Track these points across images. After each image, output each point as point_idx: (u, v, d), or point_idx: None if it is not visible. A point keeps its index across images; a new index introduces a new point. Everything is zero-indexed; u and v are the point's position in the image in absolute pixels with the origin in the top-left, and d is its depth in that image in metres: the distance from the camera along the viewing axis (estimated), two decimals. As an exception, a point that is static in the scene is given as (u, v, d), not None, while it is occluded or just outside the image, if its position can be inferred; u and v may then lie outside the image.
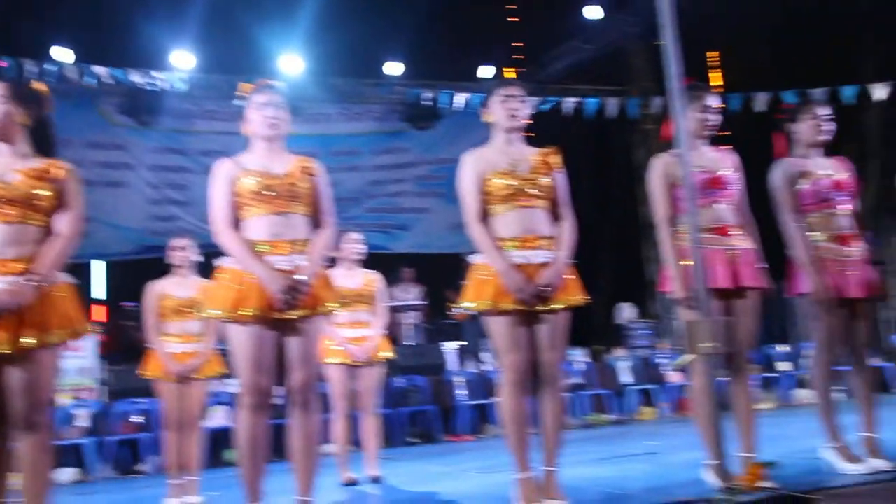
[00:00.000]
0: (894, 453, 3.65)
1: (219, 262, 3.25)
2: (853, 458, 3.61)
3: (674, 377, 9.23)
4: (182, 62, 10.35)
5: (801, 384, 9.42)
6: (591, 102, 10.89)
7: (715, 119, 3.66)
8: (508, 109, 3.38)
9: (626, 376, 9.44)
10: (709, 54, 11.74)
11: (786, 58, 10.61)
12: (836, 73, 10.25)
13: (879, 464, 3.53)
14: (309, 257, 3.19)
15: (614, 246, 12.69)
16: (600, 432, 8.09)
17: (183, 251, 4.96)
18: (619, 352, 10.13)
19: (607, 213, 12.67)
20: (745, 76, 10.96)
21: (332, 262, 5.16)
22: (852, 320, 3.75)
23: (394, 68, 11.45)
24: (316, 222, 3.30)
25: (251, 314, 3.08)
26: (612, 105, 11.00)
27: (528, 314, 3.25)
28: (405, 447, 8.01)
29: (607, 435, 7.66)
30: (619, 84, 11.96)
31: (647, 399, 9.35)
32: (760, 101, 10.24)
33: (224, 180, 3.24)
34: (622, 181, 12.07)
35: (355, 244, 5.32)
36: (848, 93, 9.98)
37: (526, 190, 3.31)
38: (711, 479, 3.26)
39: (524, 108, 3.41)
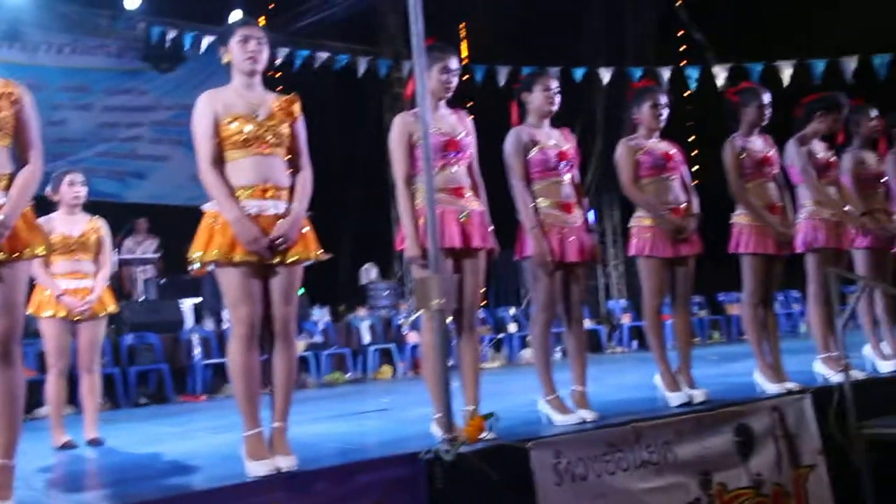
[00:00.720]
0: (599, 405, 4.01)
1: None
2: (565, 410, 3.90)
3: (412, 337, 9.52)
4: None
5: (528, 344, 10.12)
6: (342, 59, 10.82)
7: (455, 82, 3.73)
8: (247, 52, 3.20)
9: (366, 336, 9.59)
10: (458, 26, 12.11)
11: (526, 36, 11.19)
12: (569, 54, 10.99)
13: (586, 414, 3.85)
14: (8, 195, 2.83)
15: (361, 206, 12.78)
16: (339, 390, 8.16)
17: None
18: (360, 311, 10.26)
19: (355, 174, 12.72)
20: (489, 50, 11.43)
21: (48, 205, 4.70)
22: (570, 283, 4.04)
23: (133, 2, 10.58)
24: (19, 157, 2.94)
25: (-67, 258, 2.70)
26: (363, 64, 11.00)
27: (260, 266, 3.14)
28: (133, 408, 7.59)
29: (345, 393, 7.74)
30: (373, 44, 11.99)
31: (387, 358, 9.57)
32: (502, 73, 10.74)
33: None
34: (372, 141, 12.16)
35: (76, 187, 4.86)
36: (578, 73, 10.75)
37: (264, 137, 3.17)
38: (437, 431, 3.38)
39: (264, 51, 3.24)
